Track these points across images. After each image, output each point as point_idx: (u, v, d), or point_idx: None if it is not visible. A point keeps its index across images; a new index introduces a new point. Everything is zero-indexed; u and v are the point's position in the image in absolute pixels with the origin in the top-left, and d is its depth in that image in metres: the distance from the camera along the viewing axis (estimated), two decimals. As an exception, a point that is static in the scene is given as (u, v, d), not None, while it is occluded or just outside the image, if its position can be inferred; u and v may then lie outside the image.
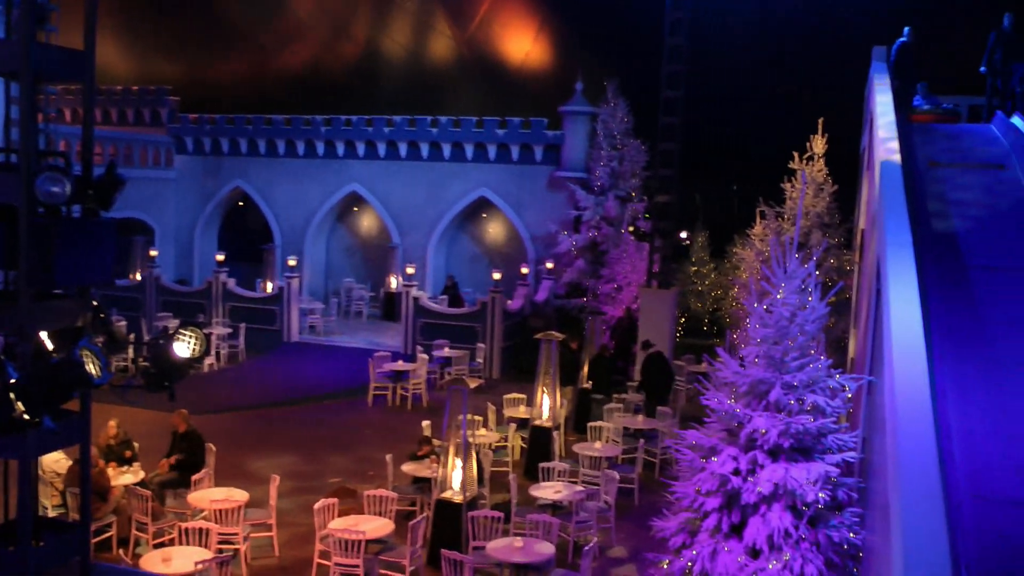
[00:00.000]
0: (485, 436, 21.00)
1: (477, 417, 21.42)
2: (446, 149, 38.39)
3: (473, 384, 17.13)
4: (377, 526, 15.48)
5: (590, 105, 36.00)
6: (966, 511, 9.55)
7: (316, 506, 15.73)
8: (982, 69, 22.65)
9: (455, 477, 16.68)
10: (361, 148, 39.61)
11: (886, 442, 9.09)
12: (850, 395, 11.54)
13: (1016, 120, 20.62)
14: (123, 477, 17.34)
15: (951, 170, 18.23)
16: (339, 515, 15.93)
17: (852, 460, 11.26)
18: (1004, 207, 16.62)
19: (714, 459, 11.25)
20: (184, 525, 14.76)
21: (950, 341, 12.24)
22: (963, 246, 15.00)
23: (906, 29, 22.62)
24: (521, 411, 22.84)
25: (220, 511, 15.67)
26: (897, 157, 15.48)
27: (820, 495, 10.69)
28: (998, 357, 12.12)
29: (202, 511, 16.21)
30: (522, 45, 43.58)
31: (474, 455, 17.53)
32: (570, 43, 42.11)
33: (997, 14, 22.57)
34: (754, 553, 10.85)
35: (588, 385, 25.09)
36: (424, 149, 38.71)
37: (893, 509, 7.88)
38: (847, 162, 25.76)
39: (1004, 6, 22.53)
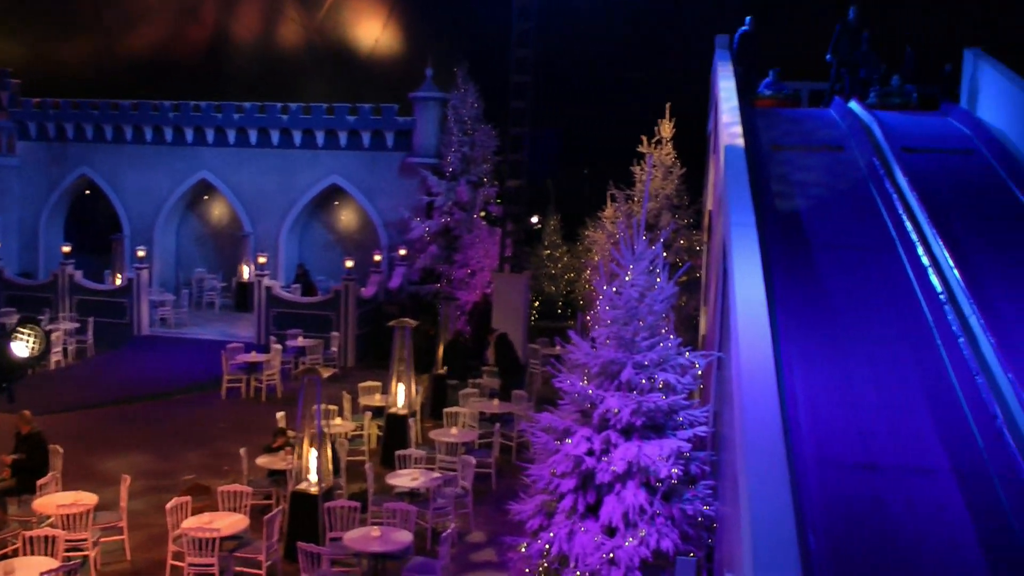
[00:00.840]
0: (341, 425, 20.83)
1: (332, 406, 21.23)
2: (297, 136, 37.83)
3: (327, 373, 16.95)
4: (232, 522, 15.14)
5: (441, 91, 35.91)
6: (812, 476, 9.86)
7: (168, 505, 15.28)
8: (828, 57, 23.40)
9: (311, 468, 16.49)
10: (211, 135, 38.71)
11: (734, 415, 9.31)
12: (700, 371, 11.77)
13: (853, 104, 21.33)
14: (-40, 486, 16.60)
15: (793, 152, 18.76)
16: (193, 513, 15.52)
17: (703, 434, 11.51)
18: (843, 187, 17.17)
19: (568, 441, 11.37)
20: (28, 533, 14.02)
21: (795, 316, 12.60)
22: (806, 225, 15.45)
23: (748, 19, 23.25)
24: (376, 399, 22.70)
25: (67, 516, 14.98)
26: (740, 141, 15.85)
27: (673, 470, 10.90)
28: (839, 330, 12.54)
29: (48, 517, 15.44)
30: (372, 31, 43.20)
31: (329, 445, 17.36)
32: (420, 29, 41.91)
33: (838, 4, 23.40)
34: (610, 531, 11.01)
35: (443, 371, 25.08)
36: (275, 136, 38.06)
37: (741, 478, 8.09)
38: (695, 145, 26.25)
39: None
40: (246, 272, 37.89)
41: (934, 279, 13.51)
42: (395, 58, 42.82)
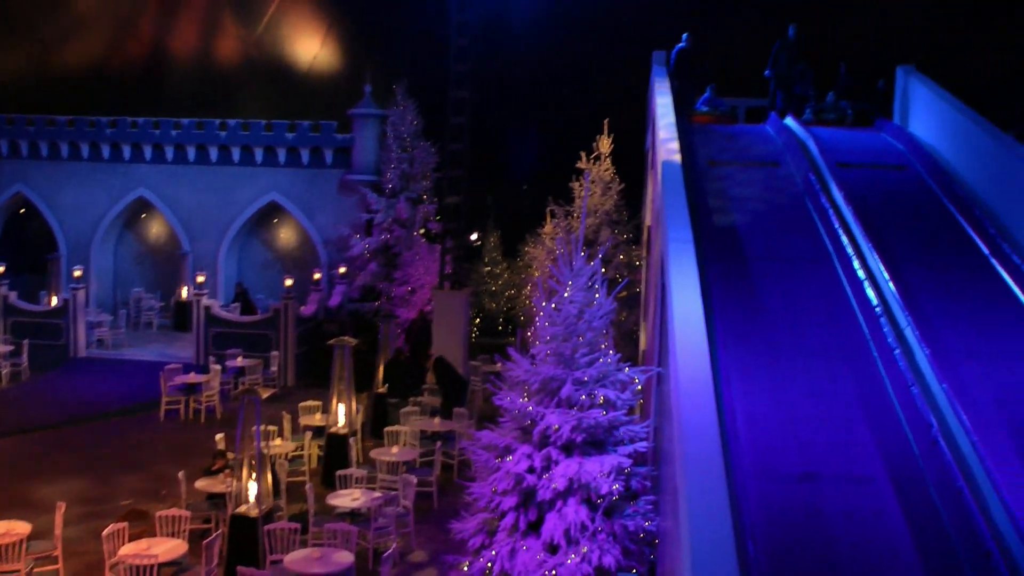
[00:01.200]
0: (281, 446, 20.64)
1: (272, 427, 21.04)
2: (235, 152, 37.53)
3: (266, 394, 16.81)
4: (170, 548, 14.87)
5: (379, 107, 35.84)
6: (752, 488, 9.92)
7: (105, 532, 14.95)
8: (766, 73, 23.68)
9: (250, 490, 16.32)
10: (148, 151, 38.23)
11: (674, 429, 9.35)
12: (640, 387, 11.81)
13: (789, 121, 21.58)
14: None
15: (730, 168, 18.92)
16: (130, 539, 15.19)
17: (644, 449, 11.54)
18: (780, 202, 17.35)
19: (509, 458, 11.36)
20: (-43, 568, 13.83)
21: (733, 330, 12.69)
22: (744, 239, 15.57)
23: (684, 35, 23.44)
24: (317, 419, 22.52)
25: (-1, 547, 14.81)
26: (677, 157, 15.97)
27: (614, 486, 10.92)
28: (778, 343, 12.65)
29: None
30: (311, 47, 43.03)
31: (269, 466, 17.19)
32: (359, 45, 41.80)
33: (773, 22, 23.72)
34: (552, 549, 11.00)
35: (383, 389, 24.95)
36: (213, 152, 37.75)
37: (680, 492, 8.12)
38: (634, 160, 26.40)
39: (779, 15, 23.72)
40: (184, 292, 37.51)
41: (870, 292, 13.68)
42: (334, 74, 42.69)
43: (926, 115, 20.63)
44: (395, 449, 20.23)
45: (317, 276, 34.11)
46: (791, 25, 23.42)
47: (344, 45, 42.59)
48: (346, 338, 22.04)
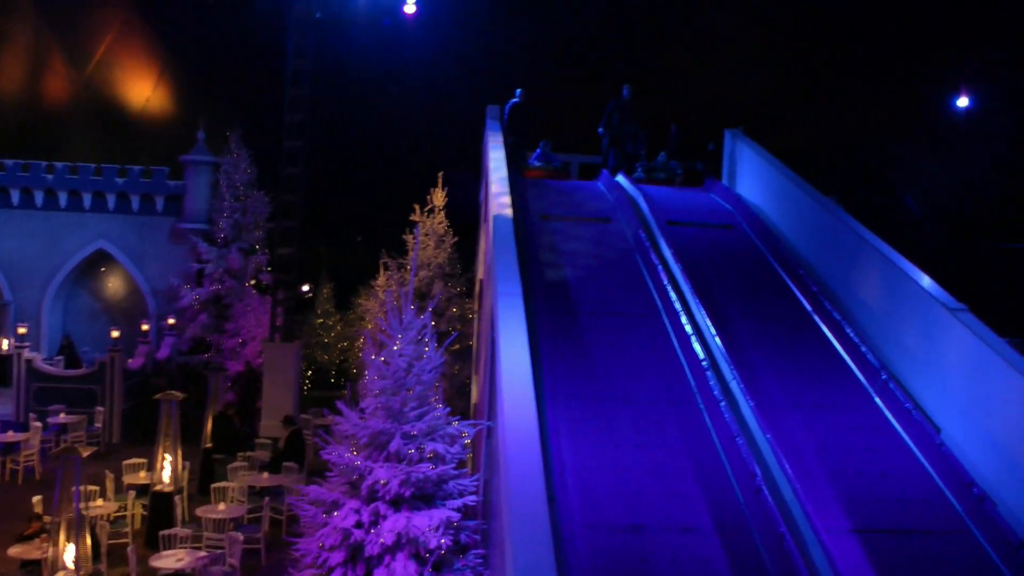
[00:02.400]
0: (102, 507, 19.79)
1: (93, 487, 20.17)
2: (62, 197, 36.19)
3: (87, 452, 16.21)
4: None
5: (213, 154, 35.20)
6: (580, 540, 9.96)
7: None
8: (600, 131, 24.13)
9: (67, 555, 15.59)
10: (-33, 195, 36.78)
11: (501, 483, 9.32)
12: (469, 440, 11.76)
13: (620, 178, 21.99)
14: None
15: (563, 223, 19.15)
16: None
17: (473, 503, 11.47)
18: (611, 257, 17.62)
19: (336, 513, 11.14)
20: None
21: (562, 383, 12.78)
22: (574, 293, 15.73)
23: (518, 91, 23.71)
24: (142, 476, 21.74)
25: None
26: (509, 211, 16.09)
27: (443, 541, 10.80)
28: (607, 396, 12.79)
29: None
30: (143, 89, 42.11)
31: (88, 529, 16.47)
32: (193, 89, 41.09)
33: (605, 81, 24.25)
34: (380, 604, 10.80)
35: (211, 445, 24.30)
36: (39, 197, 36.29)
37: (506, 545, 8.08)
38: (469, 214, 26.53)
39: (613, 75, 24.27)
40: (4, 344, 35.93)
41: (697, 346, 13.95)
42: (167, 119, 41.79)
43: (752, 177, 21.31)
44: (222, 506, 19.66)
45: (145, 327, 33.17)
46: (625, 85, 23.97)
47: (178, 89, 41.83)
48: (173, 392, 21.38)
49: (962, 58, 35.54)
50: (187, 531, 18.33)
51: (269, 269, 33.25)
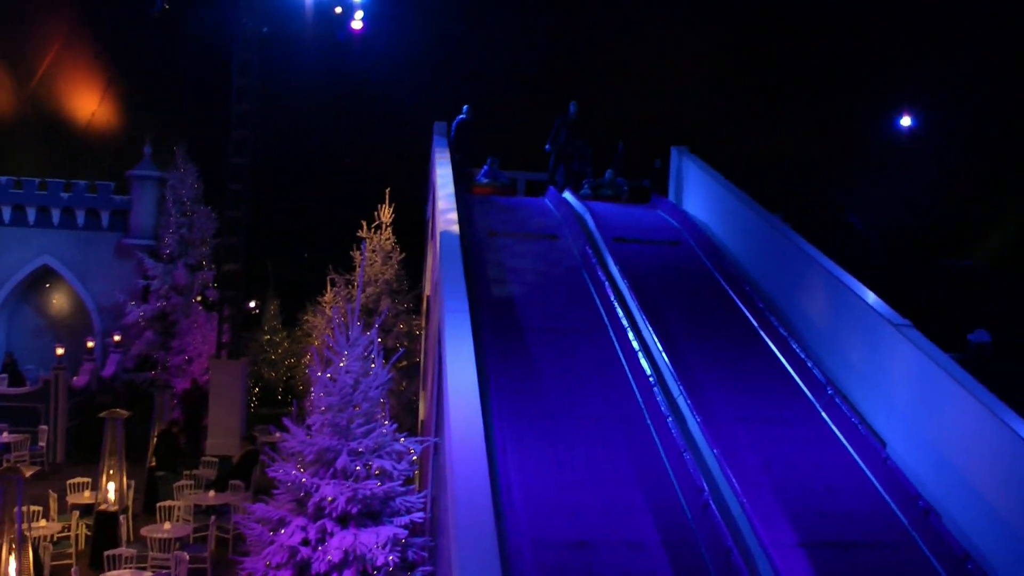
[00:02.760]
0: (45, 528, 19.47)
1: (36, 507, 19.85)
2: (6, 212, 35.56)
3: (29, 472, 15.93)
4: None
5: (159, 170, 34.83)
6: (527, 557, 9.94)
7: None
8: (547, 147, 24.20)
9: (8, 576, 15.34)
10: (-92, 208, 36.12)
11: (448, 499, 9.30)
12: (416, 457, 11.71)
13: (568, 195, 22.05)
14: None
15: (510, 239, 19.17)
16: None
17: (420, 520, 11.43)
18: (558, 274, 17.66)
19: (283, 531, 11.05)
20: None
21: (510, 399, 12.77)
22: (521, 310, 15.74)
23: (465, 107, 23.72)
24: (86, 496, 21.42)
25: None
26: (456, 227, 16.09)
27: (390, 558, 10.75)
28: (554, 412, 12.80)
29: None
30: (89, 103, 41.66)
31: (31, 551, 16.20)
32: (139, 104, 40.71)
33: (553, 99, 24.36)
34: (327, 623, 10.72)
35: (154, 463, 24.01)
36: (-18, 211, 35.92)
37: (453, 562, 8.06)
38: (416, 230, 26.47)
39: (561, 92, 24.41)
40: (-56, 362, 35.41)
41: (644, 362, 14.01)
42: (113, 133, 41.33)
43: (699, 193, 21.46)
44: (167, 525, 19.41)
45: (91, 344, 32.71)
46: (572, 102, 24.06)
47: (124, 103, 41.41)
48: (118, 410, 21.10)
49: (906, 78, 36.09)
50: (132, 551, 18.07)
51: (215, 285, 32.95)
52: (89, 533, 20.47)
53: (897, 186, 35.19)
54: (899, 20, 36.73)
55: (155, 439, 24.25)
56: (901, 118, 34.60)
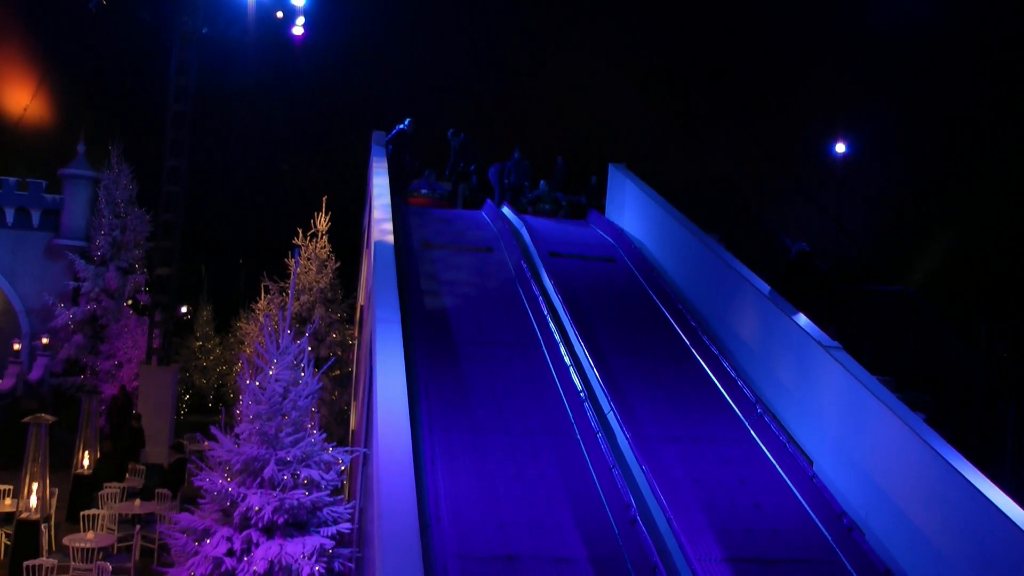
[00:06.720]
0: (-39, 538, 19.15)
1: (-48, 517, 19.50)
2: (-69, 210, 35.10)
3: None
4: None
5: (93, 169, 34.30)
6: (453, 568, 9.91)
7: None
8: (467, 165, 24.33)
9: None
10: None
11: (374, 511, 9.27)
12: (344, 467, 11.65)
13: (505, 209, 22.10)
14: None
15: (444, 251, 19.17)
16: None
17: (347, 531, 11.36)
18: (492, 287, 17.67)
19: (208, 541, 10.93)
20: None
21: (440, 412, 12.75)
22: (454, 322, 15.73)
23: (407, 119, 23.68)
24: (7, 504, 21.01)
25: None
26: (390, 238, 16.07)
27: (316, 568, 10.67)
28: (484, 425, 12.79)
29: None
30: (21, 98, 40.95)
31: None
32: (74, 101, 40.09)
33: (493, 112, 24.45)
34: (250, 634, 10.61)
35: (82, 471, 23.63)
36: (-97, 209, 35.17)
37: (377, 573, 8.04)
38: (353, 239, 26.38)
39: (498, 107, 24.48)
40: None
41: (575, 378, 14.06)
42: (46, 130, 40.65)
43: (635, 211, 21.59)
44: (91, 535, 19.08)
45: (17, 347, 32.14)
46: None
47: (58, 99, 40.74)
48: (43, 415, 20.70)
49: (840, 105, 36.60)
50: (53, 561, 17.73)
51: (148, 289, 32.53)
52: (9, 543, 20.08)
53: (831, 210, 35.64)
54: (836, 49, 37.29)
55: (82, 445, 23.84)
56: (836, 144, 35.06)
